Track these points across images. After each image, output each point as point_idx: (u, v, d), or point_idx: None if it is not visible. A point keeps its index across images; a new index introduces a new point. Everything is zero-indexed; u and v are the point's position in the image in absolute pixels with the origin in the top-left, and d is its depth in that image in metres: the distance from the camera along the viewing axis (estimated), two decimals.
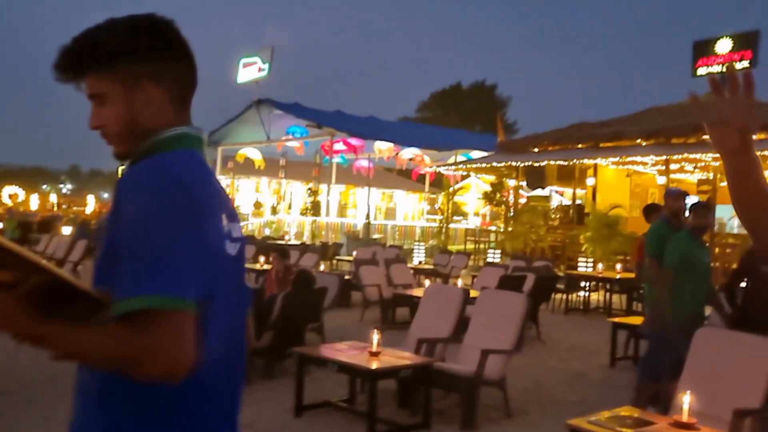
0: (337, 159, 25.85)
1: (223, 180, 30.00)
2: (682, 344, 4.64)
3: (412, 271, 11.61)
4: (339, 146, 24.47)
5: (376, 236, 23.06)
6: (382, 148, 25.01)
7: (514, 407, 5.33)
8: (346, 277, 10.30)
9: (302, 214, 24.71)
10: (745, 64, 19.58)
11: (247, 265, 12.28)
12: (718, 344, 4.14)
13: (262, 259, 11.87)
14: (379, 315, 9.28)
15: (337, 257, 17.07)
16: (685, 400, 3.31)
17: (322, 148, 24.71)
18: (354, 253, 15.05)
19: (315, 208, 23.67)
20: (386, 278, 9.98)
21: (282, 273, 7.35)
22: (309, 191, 24.74)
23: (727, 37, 20.01)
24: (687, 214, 5.46)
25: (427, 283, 8.60)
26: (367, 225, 22.95)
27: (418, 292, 8.26)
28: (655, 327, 5.09)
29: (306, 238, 22.21)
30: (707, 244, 5.27)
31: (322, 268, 11.40)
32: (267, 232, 24.39)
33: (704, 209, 5.24)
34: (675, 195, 5.67)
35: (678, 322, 4.82)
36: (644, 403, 4.12)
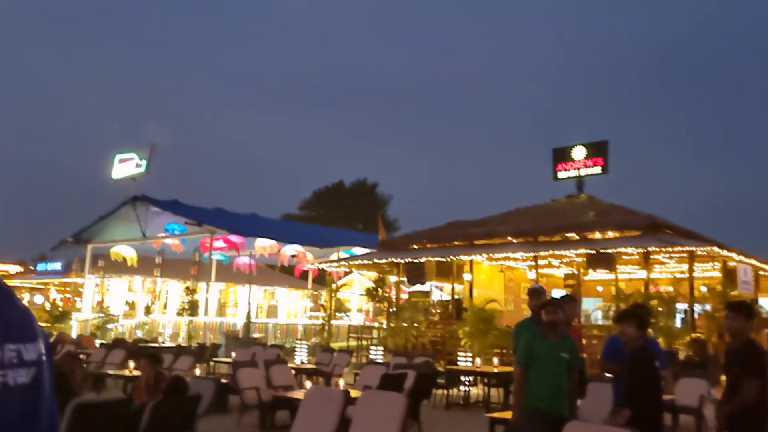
0: (217, 256, 25.25)
1: (93, 279, 28.28)
2: None
3: (293, 372, 11.30)
4: (219, 243, 23.98)
5: (256, 335, 22.38)
6: (264, 245, 24.78)
7: None
8: (223, 380, 9.86)
9: (179, 314, 23.60)
10: (598, 170, 21.67)
11: (116, 372, 11.48)
12: None
13: (131, 364, 11.11)
14: (258, 419, 8.89)
15: (215, 359, 16.32)
16: None
17: (202, 245, 24.09)
18: (233, 354, 14.48)
19: (192, 308, 22.72)
20: (266, 380, 9.64)
21: (152, 380, 6.91)
22: (186, 290, 23.80)
23: (581, 145, 22.17)
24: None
25: (308, 384, 8.40)
26: (248, 324, 22.28)
27: (299, 394, 8.03)
28: (512, 422, 5.26)
29: (182, 340, 21.14)
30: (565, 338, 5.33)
31: (197, 372, 10.84)
32: (139, 333, 22.97)
33: (552, 306, 5.29)
34: (530, 293, 5.99)
35: (527, 417, 5.00)
36: None
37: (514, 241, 19.52)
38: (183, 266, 25.24)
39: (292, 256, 26.24)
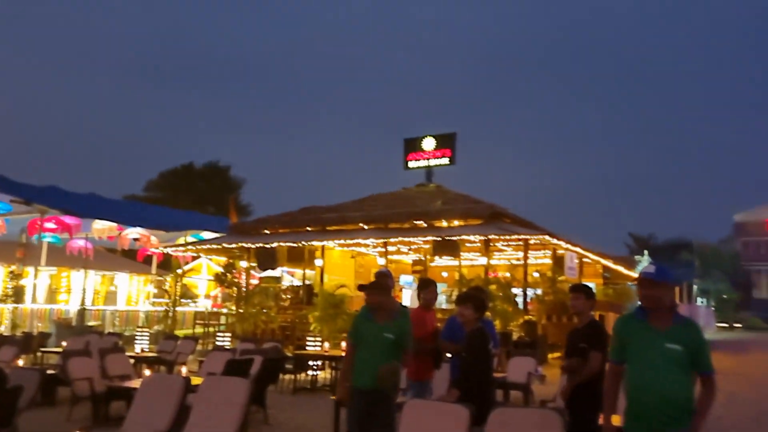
0: (48, 238, 23.21)
1: None
2: (352, 416, 5.06)
3: (132, 361, 10.71)
4: (51, 225, 22.04)
5: (92, 323, 20.93)
6: (103, 227, 23.16)
7: None
8: (51, 371, 9.11)
9: (0, 300, 21.43)
10: (446, 160, 22.63)
11: None
12: (421, 414, 4.52)
13: None
14: (90, 412, 8.32)
15: (43, 349, 15.04)
16: None
17: (30, 226, 22.01)
18: (63, 343, 13.44)
19: (17, 294, 20.74)
20: (100, 370, 9.04)
21: None
22: (11, 274, 21.65)
23: (431, 136, 23.02)
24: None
25: (148, 373, 7.99)
26: (82, 311, 20.78)
27: (136, 383, 7.62)
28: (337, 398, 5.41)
29: (4, 329, 19.25)
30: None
31: (21, 362, 9.91)
32: None
33: (370, 289, 5.35)
34: (377, 276, 6.11)
35: (351, 394, 5.15)
36: None
37: (366, 227, 19.87)
38: (7, 249, 22.93)
39: (135, 239, 24.78)
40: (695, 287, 39.26)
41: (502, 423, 4.28)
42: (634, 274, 28.26)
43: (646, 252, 37.89)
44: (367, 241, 20.61)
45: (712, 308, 39.68)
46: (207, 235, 25.43)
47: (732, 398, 11.92)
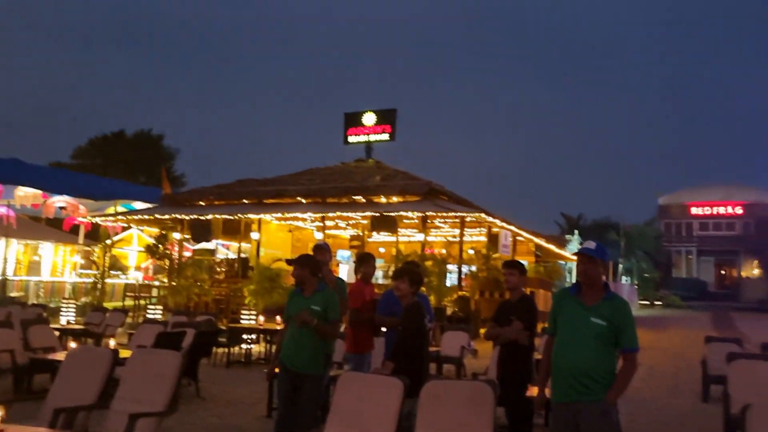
0: None
1: None
2: (279, 391, 5.14)
3: (57, 333, 10.32)
4: None
5: (14, 294, 20.05)
6: (26, 194, 22.09)
7: None
8: None
9: None
10: (386, 136, 22.62)
11: None
12: (356, 386, 4.54)
13: None
14: (12, 385, 7.99)
15: None
16: None
17: None
18: None
19: None
20: (23, 342, 8.68)
21: None
22: None
23: (371, 111, 22.93)
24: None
25: (73, 345, 7.71)
26: (3, 282, 19.88)
27: (61, 355, 7.35)
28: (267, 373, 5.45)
29: None
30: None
31: None
32: None
33: (295, 262, 5.33)
34: (314, 249, 6.14)
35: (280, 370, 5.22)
36: None
37: (304, 201, 19.71)
38: None
39: (61, 207, 23.76)
40: (620, 266, 40.91)
41: (435, 395, 4.35)
42: (565, 253, 29.25)
43: (576, 231, 39.15)
44: (305, 216, 20.48)
45: (635, 286, 41.51)
46: (138, 205, 24.67)
47: (651, 371, 12.54)
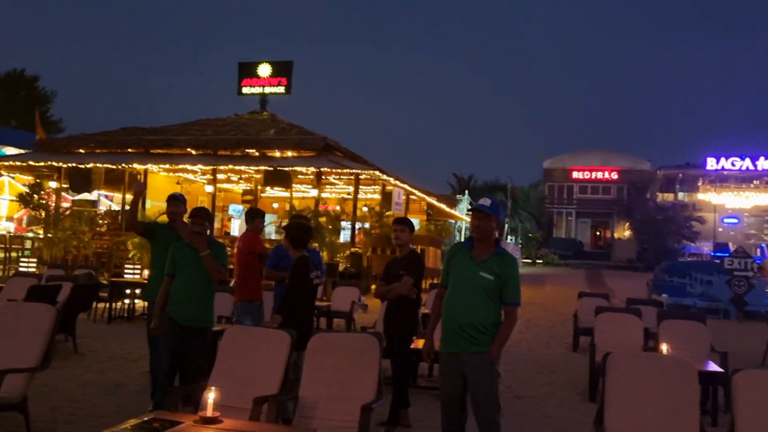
0: None
1: None
2: (166, 345, 5.06)
3: None
4: None
5: None
6: None
7: (40, 428, 4.82)
8: None
9: None
10: (282, 89, 22.09)
11: None
12: (242, 339, 4.50)
13: None
14: None
15: None
16: (210, 396, 3.47)
17: None
18: None
19: None
20: None
21: None
22: None
23: (267, 62, 22.25)
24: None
25: None
26: None
27: None
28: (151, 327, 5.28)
29: None
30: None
31: None
32: None
33: (194, 217, 5.25)
34: (168, 200, 5.97)
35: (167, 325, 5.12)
36: (175, 404, 4.18)
37: (194, 152, 18.99)
38: None
39: None
40: (507, 226, 42.79)
41: (322, 347, 4.39)
42: (455, 212, 30.16)
43: (467, 192, 40.40)
44: (195, 168, 19.77)
45: (520, 245, 43.68)
46: (9, 150, 22.83)
47: (529, 324, 13.33)
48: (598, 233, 51.58)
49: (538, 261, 42.45)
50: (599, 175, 50.73)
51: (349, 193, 21.70)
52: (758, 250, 39.96)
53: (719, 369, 6.12)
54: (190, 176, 21.96)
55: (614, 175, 50.27)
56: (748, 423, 3.53)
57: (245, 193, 22.98)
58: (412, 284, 5.48)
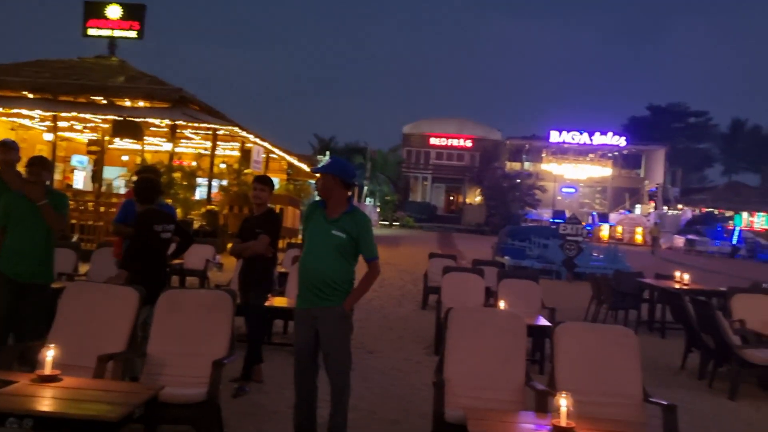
0: None
1: None
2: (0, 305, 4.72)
3: None
4: None
5: None
6: None
7: None
8: None
9: None
10: (133, 33, 20.66)
11: None
12: (86, 296, 4.31)
13: None
14: None
15: None
16: (48, 353, 3.32)
17: None
18: None
19: None
20: None
21: None
22: None
23: (116, 3, 20.64)
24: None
25: None
26: None
27: None
28: None
29: None
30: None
31: None
32: None
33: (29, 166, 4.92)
34: None
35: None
36: (8, 364, 3.95)
37: (30, 96, 17.36)
38: None
39: None
40: (365, 188, 43.58)
41: (173, 303, 4.32)
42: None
43: (327, 153, 40.50)
44: (33, 113, 18.09)
45: (377, 208, 44.70)
46: None
47: (383, 283, 13.81)
48: (451, 198, 54.02)
49: (394, 223, 43.78)
50: (454, 142, 52.89)
51: (206, 149, 20.97)
52: (591, 218, 44.00)
53: (548, 323, 6.76)
54: (27, 122, 20.08)
55: (468, 143, 52.65)
56: (564, 367, 3.98)
57: (91, 143, 21.42)
58: (268, 243, 5.49)
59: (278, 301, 6.91)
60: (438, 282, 8.71)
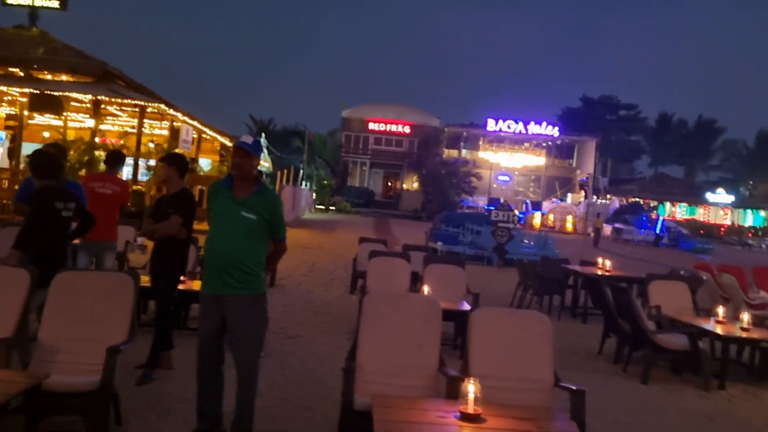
0: None
1: None
2: None
3: None
4: None
5: None
6: None
7: None
8: None
9: None
10: (55, 3, 19.57)
11: None
12: None
13: None
14: None
15: None
16: None
17: None
18: None
19: None
20: None
21: None
22: None
23: None
24: None
25: None
26: None
27: None
28: None
29: None
30: None
31: None
32: None
33: None
34: None
35: None
36: None
37: None
38: None
39: None
40: (302, 171, 43.04)
41: (69, 286, 4.04)
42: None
43: (263, 135, 39.74)
44: None
45: (314, 192, 44.28)
46: None
47: (313, 268, 13.64)
48: (389, 184, 54.09)
49: (331, 208, 43.49)
50: (393, 128, 52.90)
51: (133, 127, 20.16)
52: (524, 206, 44.92)
53: (471, 308, 6.75)
54: None
55: (407, 129, 52.74)
56: (477, 352, 3.92)
57: (9, 117, 20.32)
58: (180, 223, 5.24)
59: (196, 285, 6.63)
60: (366, 266, 8.59)
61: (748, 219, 52.52)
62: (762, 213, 52.87)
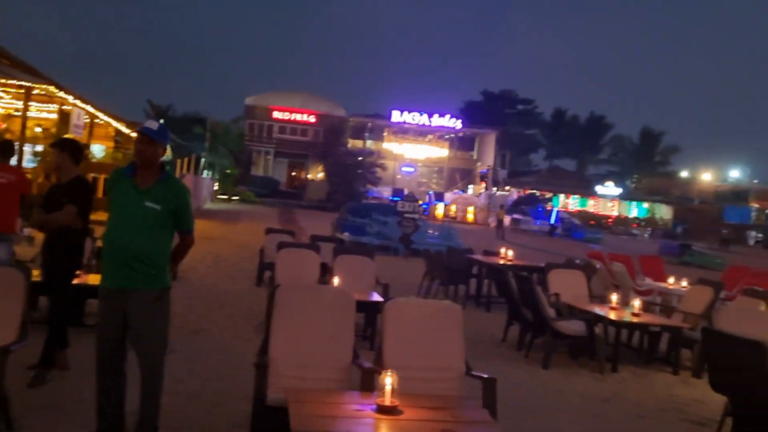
0: None
1: None
2: None
3: None
4: None
5: None
6: None
7: None
8: None
9: None
10: None
11: None
12: None
13: None
14: None
15: None
16: None
17: None
18: None
19: None
20: None
21: None
22: None
23: None
24: None
25: None
26: None
27: None
28: None
29: None
30: None
31: None
32: None
33: None
34: None
35: None
36: None
37: None
38: None
39: None
40: (203, 160, 41.73)
41: None
42: None
43: (162, 121, 38.13)
44: None
45: (216, 181, 43.08)
46: None
47: (218, 260, 13.27)
48: (294, 173, 53.48)
49: (234, 198, 42.48)
50: (299, 117, 52.30)
51: (17, 109, 18.75)
52: (428, 197, 45.77)
53: (381, 298, 6.79)
54: None
55: (312, 119, 52.30)
56: (391, 343, 3.94)
57: None
58: (75, 213, 4.91)
59: (93, 279, 6.28)
60: (273, 258, 8.44)
61: (633, 210, 56.20)
62: (645, 205, 56.70)
